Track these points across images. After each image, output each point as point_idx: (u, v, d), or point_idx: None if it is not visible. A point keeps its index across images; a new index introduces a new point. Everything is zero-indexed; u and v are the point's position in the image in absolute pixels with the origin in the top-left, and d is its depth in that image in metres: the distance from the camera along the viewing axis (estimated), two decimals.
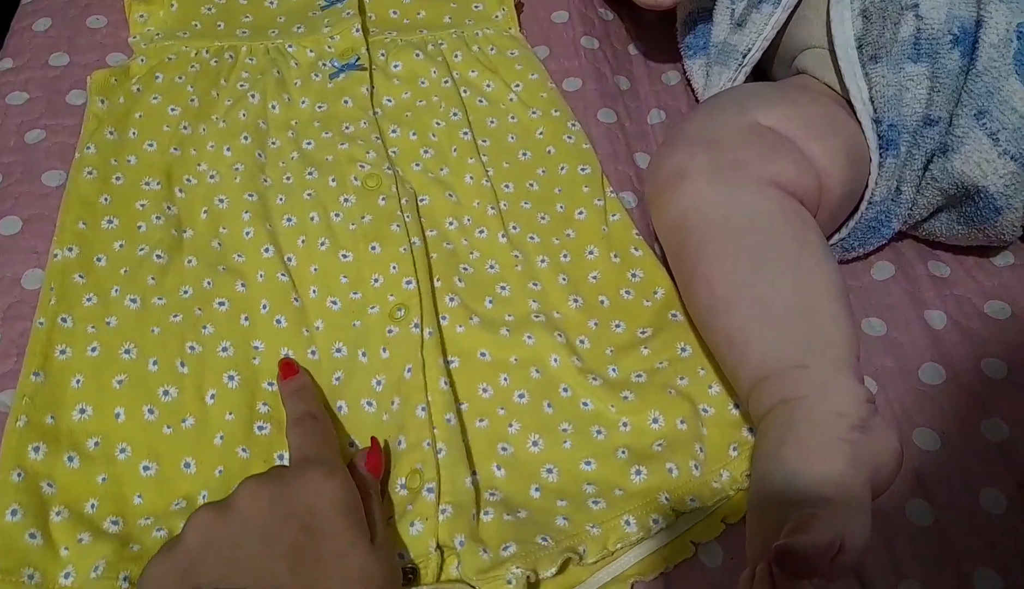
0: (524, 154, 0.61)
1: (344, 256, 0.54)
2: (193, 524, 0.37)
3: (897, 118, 0.51)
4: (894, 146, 0.51)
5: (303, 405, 0.45)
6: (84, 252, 0.52)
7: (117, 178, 0.56)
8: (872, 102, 0.52)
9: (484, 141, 0.62)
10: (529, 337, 0.51)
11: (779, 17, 0.57)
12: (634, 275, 0.55)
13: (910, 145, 0.51)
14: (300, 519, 0.37)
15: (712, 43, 0.62)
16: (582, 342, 0.52)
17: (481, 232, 0.57)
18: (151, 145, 0.58)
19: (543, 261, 0.56)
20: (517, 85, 0.65)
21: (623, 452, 0.47)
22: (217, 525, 0.36)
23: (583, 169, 0.60)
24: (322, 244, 0.54)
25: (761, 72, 0.63)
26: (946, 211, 0.54)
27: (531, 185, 0.60)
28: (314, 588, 0.35)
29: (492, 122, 0.63)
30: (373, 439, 0.45)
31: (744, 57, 0.58)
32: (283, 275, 0.52)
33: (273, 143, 0.59)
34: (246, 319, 0.51)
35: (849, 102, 0.53)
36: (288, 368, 0.47)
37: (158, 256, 0.52)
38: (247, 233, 0.54)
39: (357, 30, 0.64)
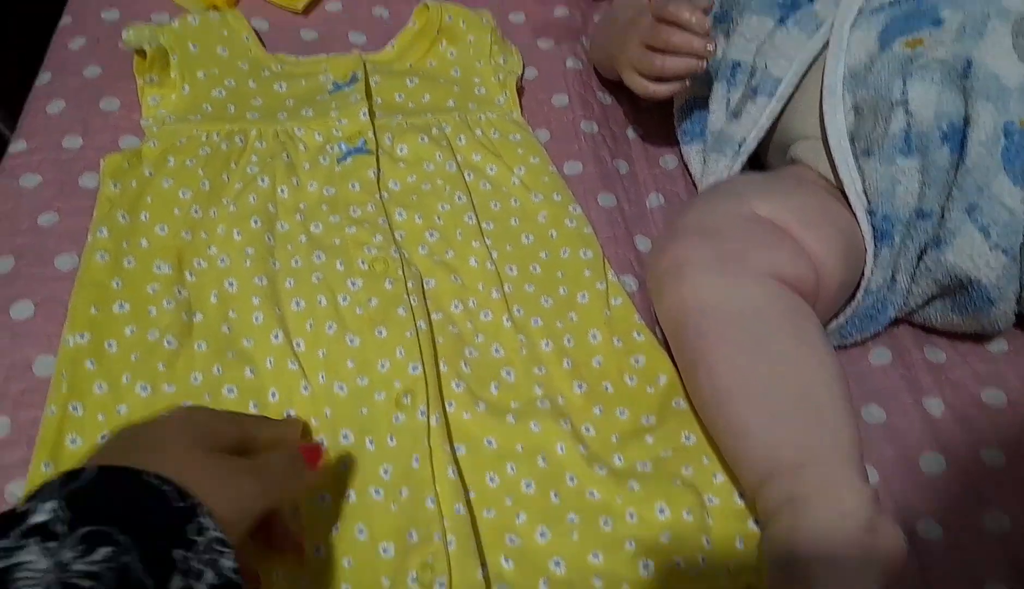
0: (527, 237, 0.63)
1: (351, 340, 0.54)
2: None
3: (890, 210, 0.53)
4: (888, 237, 0.53)
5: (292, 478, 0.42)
6: (95, 338, 0.52)
7: (129, 261, 0.57)
8: (866, 194, 0.54)
9: (488, 224, 0.63)
10: (535, 425, 0.52)
11: (774, 108, 0.59)
12: (637, 360, 0.56)
13: (904, 236, 0.53)
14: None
15: (709, 130, 0.64)
16: (587, 429, 0.53)
17: (486, 315, 0.58)
18: (162, 229, 0.59)
19: (547, 345, 0.57)
20: (520, 169, 0.67)
21: (631, 543, 0.47)
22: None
23: (585, 253, 0.61)
24: (329, 328, 0.55)
25: (757, 159, 0.65)
26: (941, 299, 0.56)
27: (534, 268, 0.61)
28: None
29: (496, 205, 0.64)
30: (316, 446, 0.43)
31: (740, 146, 0.60)
32: (292, 363, 0.53)
33: (282, 226, 0.60)
34: (255, 406, 0.51)
35: (844, 193, 0.55)
36: (312, 457, 0.43)
37: (168, 341, 0.53)
38: (256, 318, 0.55)
39: (364, 114, 0.66)
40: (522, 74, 0.74)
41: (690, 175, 0.69)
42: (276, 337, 0.54)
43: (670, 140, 0.71)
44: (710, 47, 0.58)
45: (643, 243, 0.64)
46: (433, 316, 0.57)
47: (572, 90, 0.74)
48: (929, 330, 0.59)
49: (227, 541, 0.33)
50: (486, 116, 0.70)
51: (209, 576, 0.32)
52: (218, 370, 0.52)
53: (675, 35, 0.58)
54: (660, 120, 0.72)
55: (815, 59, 0.58)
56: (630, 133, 0.73)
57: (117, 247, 0.57)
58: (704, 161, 0.65)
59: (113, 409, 0.50)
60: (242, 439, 0.40)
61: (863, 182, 0.54)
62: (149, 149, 0.63)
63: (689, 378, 0.50)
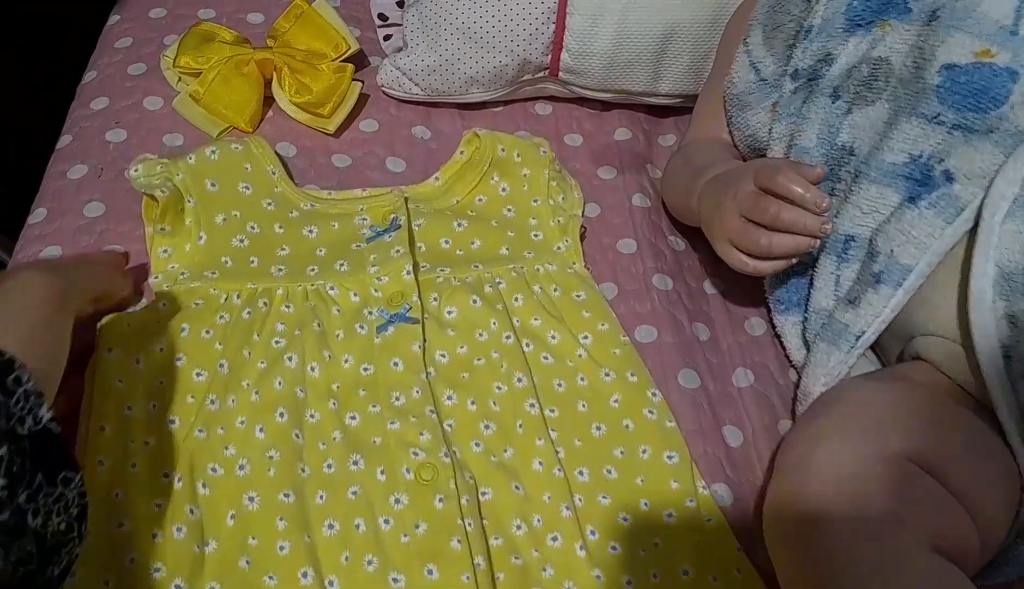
0: (598, 428, 0.54)
1: (395, 580, 0.45)
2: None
3: None
4: None
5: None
6: (93, 577, 0.43)
7: (133, 466, 0.47)
8: None
9: (552, 411, 0.54)
10: None
11: (899, 301, 0.50)
12: None
13: None
14: None
15: (813, 308, 0.55)
16: None
17: (554, 539, 0.48)
18: (173, 422, 0.49)
19: (629, 584, 0.47)
20: (585, 337, 0.57)
21: None
22: None
23: (670, 457, 0.52)
24: (369, 563, 0.45)
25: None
26: None
27: (608, 472, 0.52)
28: None
29: (560, 385, 0.55)
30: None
31: (857, 340, 0.51)
32: None
33: (312, 416, 0.51)
34: None
35: (992, 411, 0.46)
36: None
37: (177, 586, 0.43)
38: (281, 548, 0.46)
39: (408, 272, 0.57)
40: (583, 211, 0.66)
41: (782, 346, 0.59)
42: (305, 576, 0.45)
43: (755, 299, 0.62)
44: (826, 227, 0.49)
45: (733, 436, 0.55)
46: (492, 541, 0.48)
47: (640, 234, 0.65)
48: None
49: (42, 393, 0.37)
50: (544, 268, 0.61)
51: (28, 422, 0.36)
52: None
53: (785, 211, 0.49)
54: (742, 276, 0.62)
55: (953, 246, 0.49)
56: (708, 287, 0.64)
57: (117, 448, 0.48)
58: (805, 343, 0.56)
59: None
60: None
61: (1021, 410, 0.44)
62: (158, 311, 0.54)
63: None
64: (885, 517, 0.39)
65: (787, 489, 0.42)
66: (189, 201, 0.58)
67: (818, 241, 0.50)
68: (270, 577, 0.45)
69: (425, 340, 0.55)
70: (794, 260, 0.52)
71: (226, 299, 0.55)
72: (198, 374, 0.51)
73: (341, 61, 0.69)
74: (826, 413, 0.46)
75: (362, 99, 0.71)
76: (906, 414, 0.44)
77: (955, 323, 0.48)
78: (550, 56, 0.69)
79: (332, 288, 0.57)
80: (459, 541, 0.46)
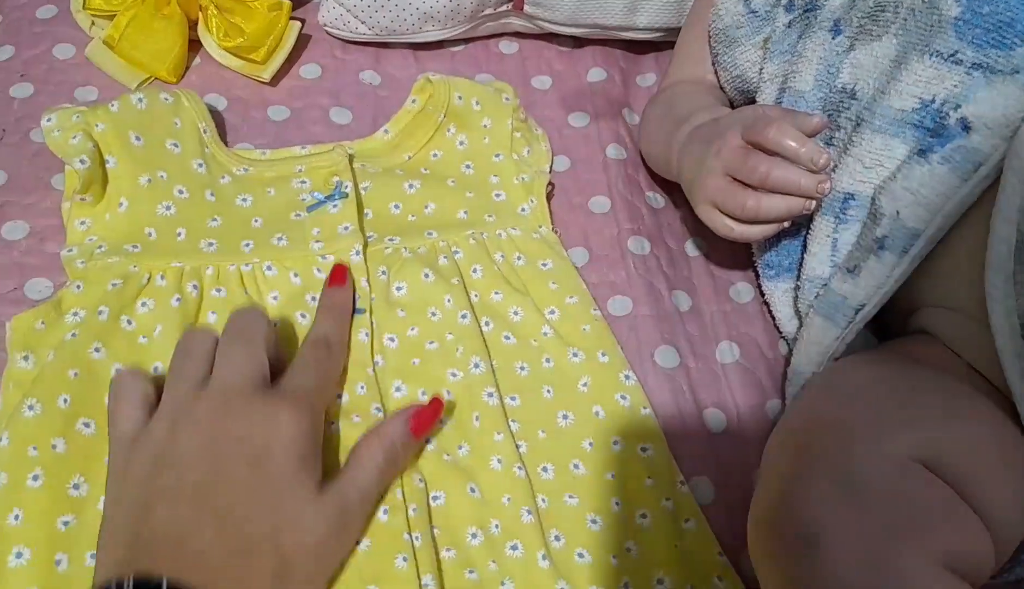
0: (565, 417, 0.48)
1: None
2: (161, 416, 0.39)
3: None
4: None
5: (327, 327, 0.46)
6: None
7: (34, 478, 0.41)
8: None
9: (513, 399, 0.48)
10: None
11: (905, 270, 0.43)
12: None
13: None
14: (250, 450, 0.38)
15: (807, 275, 0.49)
16: None
17: (514, 548, 0.43)
18: (87, 425, 0.43)
19: None
20: (552, 312, 0.51)
21: None
22: (177, 429, 0.38)
23: (644, 449, 0.46)
24: None
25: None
26: None
27: (576, 467, 0.46)
28: (245, 522, 0.36)
29: (522, 370, 0.49)
30: (435, 398, 0.45)
31: (856, 314, 0.45)
32: None
33: None
34: None
35: (1009, 398, 0.40)
36: (338, 275, 0.48)
37: None
38: None
39: (357, 252, 0.50)
40: (551, 166, 0.59)
41: (771, 315, 0.53)
42: None
43: (742, 261, 0.56)
44: (824, 186, 0.43)
45: (716, 420, 0.49)
46: (444, 554, 0.43)
47: (615, 191, 0.58)
48: None
49: None
50: (507, 234, 0.54)
51: None
52: None
53: (777, 169, 0.43)
54: None
55: (970, 208, 0.42)
56: (689, 249, 0.57)
57: (20, 458, 0.42)
58: (797, 313, 0.50)
59: None
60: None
61: None
62: (72, 295, 0.48)
63: None
64: (888, 534, 0.34)
65: (776, 499, 0.37)
66: (109, 161, 0.51)
67: (814, 203, 0.44)
68: None
69: (373, 325, 0.49)
70: (786, 224, 0.46)
71: (148, 280, 0.49)
72: (117, 370, 0.45)
73: None
74: (821, 405, 0.40)
75: (302, 41, 0.63)
76: (914, 407, 0.38)
77: (968, 294, 0.42)
78: None
79: (269, 268, 0.50)
80: (404, 559, 0.41)
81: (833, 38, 0.48)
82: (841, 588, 0.34)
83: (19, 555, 0.39)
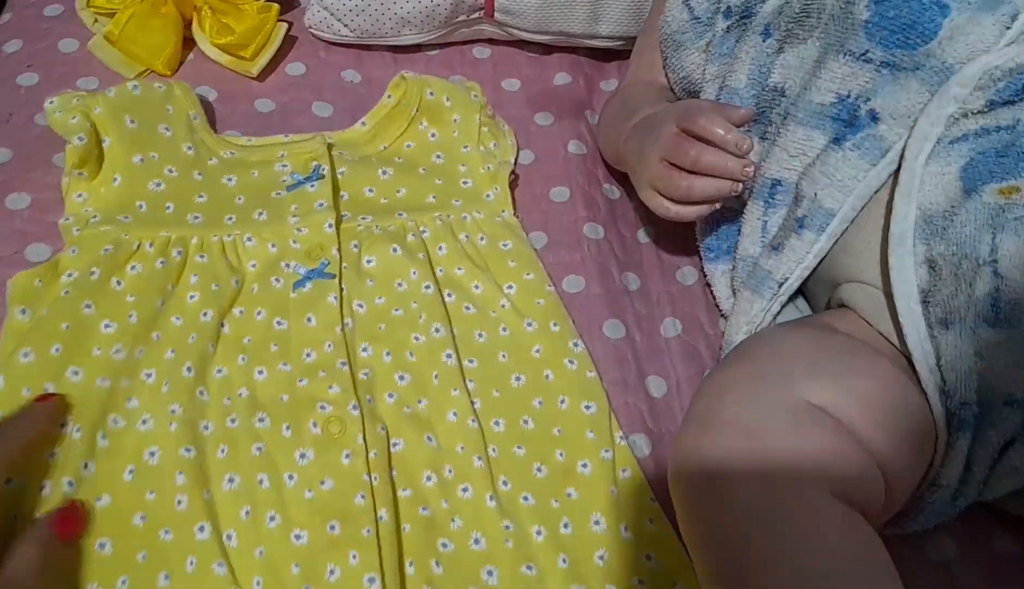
0: (517, 379, 0.52)
1: (297, 537, 0.44)
2: None
3: (970, 394, 0.42)
4: (966, 426, 0.43)
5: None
6: None
7: None
8: (940, 370, 0.43)
9: (471, 361, 0.53)
10: None
11: (823, 246, 0.48)
12: (649, 558, 0.46)
13: (985, 426, 0.43)
14: None
15: (740, 255, 0.53)
16: None
17: (465, 490, 0.47)
18: (76, 373, 0.47)
19: (539, 533, 0.46)
20: (510, 287, 0.56)
21: None
22: None
23: (587, 407, 0.51)
24: (271, 519, 0.44)
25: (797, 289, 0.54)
26: None
27: (525, 422, 0.51)
28: None
29: (480, 336, 0.54)
30: (73, 503, 0.43)
31: (780, 287, 0.50)
32: (220, 565, 0.43)
33: (219, 371, 0.49)
34: None
35: (911, 361, 0.44)
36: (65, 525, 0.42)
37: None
38: (179, 502, 0.44)
39: (330, 225, 0.55)
40: (516, 160, 0.63)
41: (713, 296, 0.58)
42: (202, 531, 0.43)
43: (689, 247, 0.61)
44: (748, 169, 0.48)
45: (657, 386, 0.54)
46: (400, 493, 0.47)
47: (574, 182, 0.63)
48: (1003, 513, 0.49)
49: None
50: (472, 217, 0.59)
51: None
52: (124, 582, 0.42)
53: (705, 153, 0.48)
54: (677, 224, 0.61)
55: (878, 190, 0.47)
56: (641, 236, 0.62)
57: (14, 397, 0.46)
58: (733, 292, 0.55)
59: None
60: None
61: (938, 357, 0.43)
62: (68, 258, 0.52)
63: None
64: (785, 467, 0.38)
65: (690, 441, 0.41)
66: (105, 141, 0.56)
67: (740, 185, 0.49)
68: (166, 532, 0.44)
69: (343, 289, 0.54)
70: (717, 205, 0.51)
71: (138, 246, 0.53)
72: (106, 326, 0.49)
73: (266, 1, 0.66)
74: (737, 362, 0.44)
75: (289, 42, 0.68)
76: (817, 361, 0.43)
77: (877, 269, 0.47)
78: None
79: (249, 239, 0.55)
80: (363, 496, 0.45)
81: (764, 41, 0.53)
82: (742, 516, 0.38)
83: (8, 481, 0.43)
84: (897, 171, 0.46)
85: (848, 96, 0.48)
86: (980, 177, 0.43)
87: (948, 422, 0.43)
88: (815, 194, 0.48)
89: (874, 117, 0.47)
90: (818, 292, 0.53)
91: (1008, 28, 0.44)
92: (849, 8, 0.48)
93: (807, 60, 0.51)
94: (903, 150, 0.45)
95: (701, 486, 0.40)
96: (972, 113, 0.44)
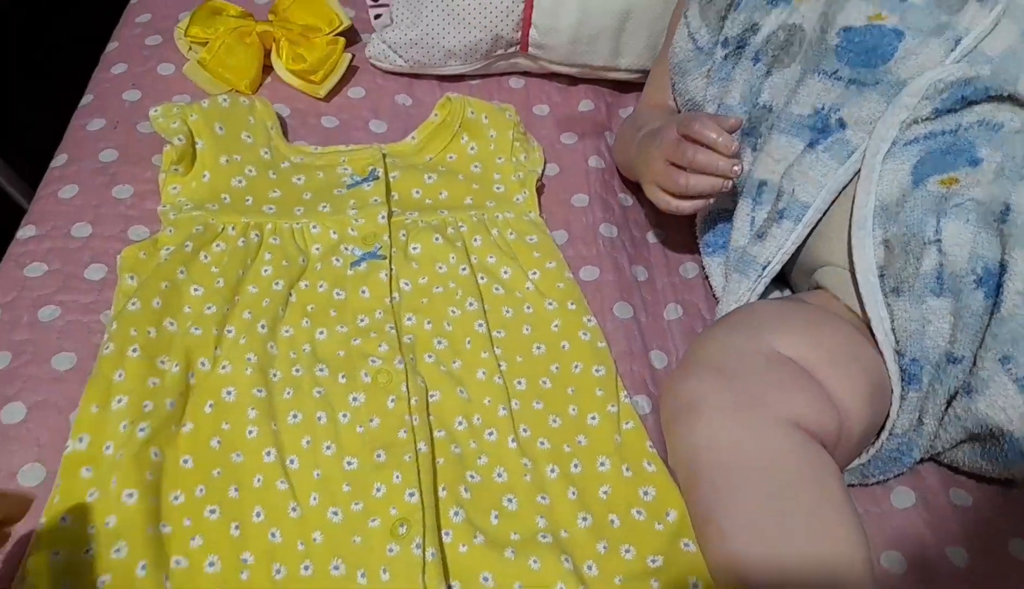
0: (538, 347, 0.61)
1: (349, 463, 0.52)
2: None
3: (919, 352, 0.50)
4: (916, 380, 0.50)
5: None
6: (94, 440, 0.51)
7: (134, 350, 0.54)
8: (894, 333, 0.51)
9: (499, 332, 0.61)
10: (535, 561, 0.49)
11: (800, 234, 0.57)
12: (646, 493, 0.54)
13: (932, 380, 0.50)
14: None
15: (732, 247, 0.62)
16: (590, 568, 0.50)
17: (491, 434, 0.56)
18: (172, 324, 0.57)
19: (553, 471, 0.54)
20: (534, 273, 0.65)
21: None
22: None
23: (597, 370, 0.59)
24: (328, 448, 0.53)
25: (782, 278, 0.62)
26: (970, 444, 0.53)
27: (544, 383, 0.59)
28: None
29: (508, 312, 0.63)
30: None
31: (764, 269, 0.58)
32: (283, 482, 0.51)
33: (287, 331, 0.59)
34: (237, 528, 0.49)
35: (871, 329, 0.52)
36: None
37: (155, 453, 0.51)
38: (250, 432, 0.53)
39: (383, 216, 0.64)
40: (543, 171, 0.73)
41: (711, 286, 0.66)
42: (269, 454, 0.52)
43: (691, 247, 0.69)
44: (736, 168, 0.56)
45: (659, 359, 0.62)
46: (436, 434, 0.55)
47: (593, 190, 0.73)
48: (956, 470, 0.56)
49: None
50: (503, 216, 0.68)
51: None
52: (201, 491, 0.51)
53: (700, 154, 0.56)
54: (681, 226, 0.70)
55: (845, 186, 0.55)
56: (650, 237, 0.71)
57: (125, 335, 0.55)
58: (726, 278, 0.63)
59: (102, 520, 0.48)
60: None
61: (892, 321, 0.51)
62: (166, 237, 0.62)
63: (700, 531, 0.47)
64: (752, 399, 0.46)
65: (674, 379, 0.49)
66: (199, 143, 0.66)
67: (730, 182, 0.57)
68: (237, 455, 0.52)
69: (392, 269, 0.63)
70: (711, 200, 0.59)
71: (223, 229, 0.63)
72: (195, 290, 0.59)
73: (334, 35, 0.77)
74: (719, 322, 0.53)
75: (352, 70, 0.79)
76: (787, 319, 0.51)
77: (845, 251, 0.55)
78: (520, 32, 0.77)
79: (314, 227, 0.65)
80: (405, 432, 0.53)
81: (754, 65, 0.62)
82: (716, 440, 0.46)
83: (119, 400, 0.52)
84: (861, 170, 0.54)
85: (822, 108, 0.57)
86: (926, 171, 0.51)
87: (901, 377, 0.51)
88: (793, 190, 0.57)
89: (842, 124, 0.56)
90: (799, 279, 0.61)
91: (952, 50, 0.53)
92: (823, 36, 0.58)
93: (790, 81, 0.60)
94: (865, 151, 0.54)
95: (680, 413, 0.47)
96: (921, 119, 0.53)
